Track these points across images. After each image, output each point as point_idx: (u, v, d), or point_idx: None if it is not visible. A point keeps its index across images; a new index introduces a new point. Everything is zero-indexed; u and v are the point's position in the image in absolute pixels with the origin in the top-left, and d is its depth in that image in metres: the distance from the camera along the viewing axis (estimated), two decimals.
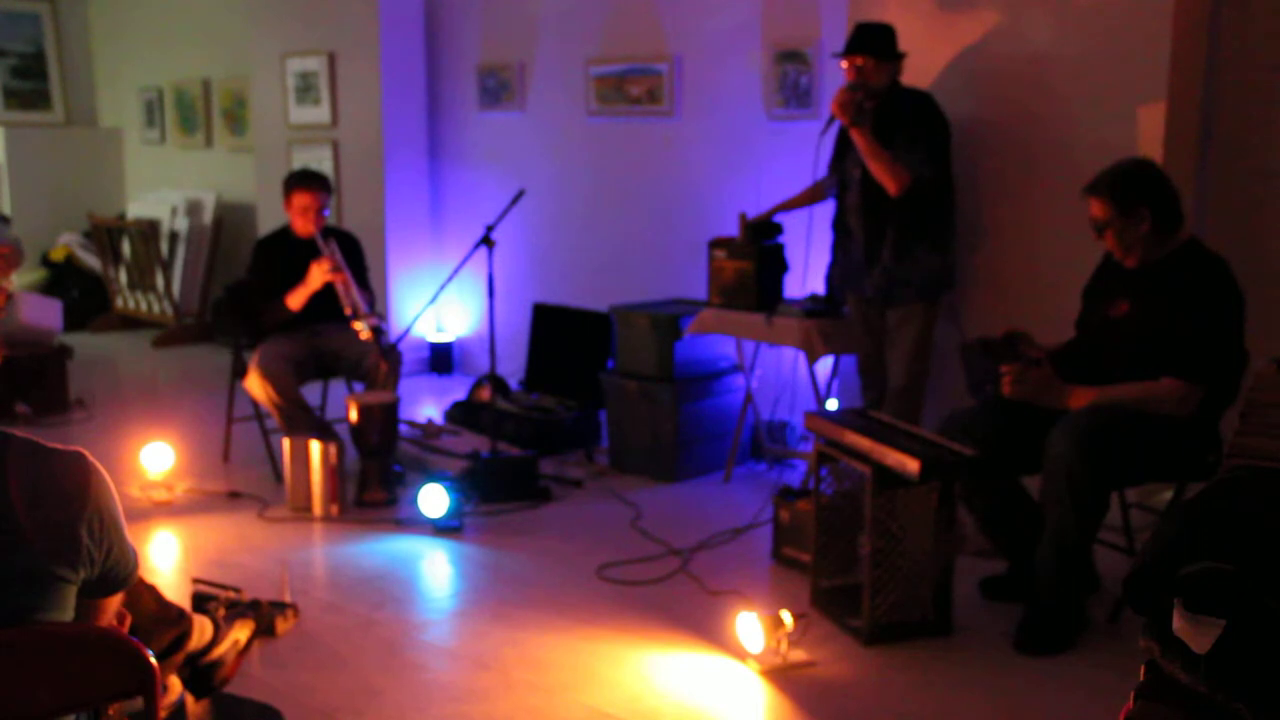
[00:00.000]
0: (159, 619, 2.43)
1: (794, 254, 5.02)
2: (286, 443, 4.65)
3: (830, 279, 4.73)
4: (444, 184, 7.19)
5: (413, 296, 7.11)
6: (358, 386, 5.15)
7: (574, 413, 5.52)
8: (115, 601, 1.84)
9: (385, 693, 3.18)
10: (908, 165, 4.26)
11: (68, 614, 1.69)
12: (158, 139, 9.26)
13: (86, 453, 1.71)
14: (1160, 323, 3.39)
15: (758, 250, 4.84)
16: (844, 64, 4.38)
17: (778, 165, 5.47)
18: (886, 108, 4.38)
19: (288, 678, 3.26)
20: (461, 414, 5.73)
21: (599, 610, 3.72)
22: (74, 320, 8.22)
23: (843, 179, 4.58)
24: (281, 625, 3.54)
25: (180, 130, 9.04)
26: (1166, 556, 1.40)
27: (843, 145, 4.56)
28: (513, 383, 6.16)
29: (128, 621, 1.95)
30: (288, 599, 3.66)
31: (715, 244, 4.99)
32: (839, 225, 4.62)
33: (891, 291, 4.42)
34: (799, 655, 3.32)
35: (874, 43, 4.35)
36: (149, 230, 8.29)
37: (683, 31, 5.83)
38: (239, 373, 5.07)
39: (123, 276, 8.74)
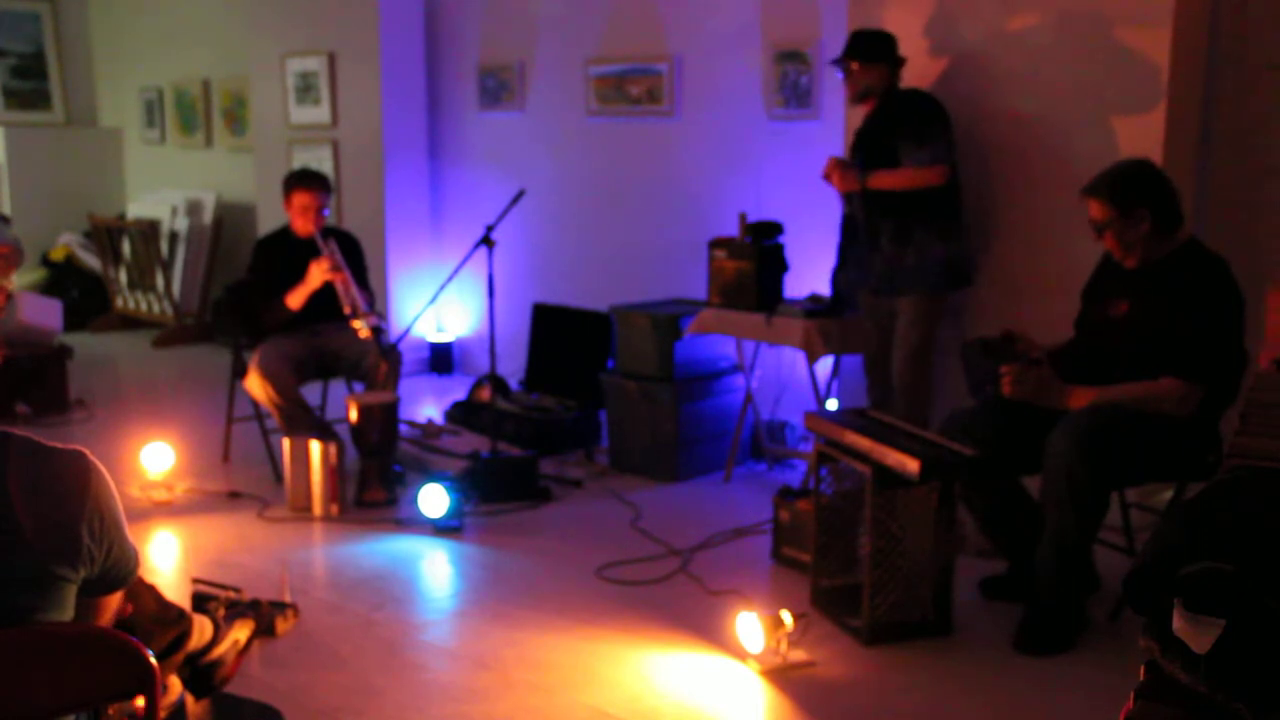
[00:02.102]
0: (159, 619, 2.43)
1: (794, 254, 5.02)
2: (286, 443, 4.65)
3: (836, 282, 4.73)
4: (444, 184, 7.19)
5: (413, 296, 7.11)
6: (358, 386, 5.15)
7: (574, 413, 5.52)
8: (115, 600, 1.84)
9: (385, 693, 3.18)
10: (934, 160, 4.34)
11: (68, 614, 1.69)
12: (158, 139, 9.26)
13: (87, 451, 1.71)
14: (1160, 323, 3.39)
15: (758, 250, 4.84)
16: (855, 67, 4.46)
17: (778, 165, 5.47)
18: (884, 110, 4.45)
19: (288, 678, 3.26)
20: (461, 414, 5.73)
21: (599, 610, 3.72)
22: (74, 320, 8.21)
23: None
24: (281, 625, 3.54)
25: (180, 130, 9.04)
26: (1166, 556, 1.40)
27: (856, 149, 4.57)
28: (513, 383, 6.16)
29: (128, 613, 1.94)
30: (288, 599, 3.66)
31: (715, 244, 4.99)
32: (847, 226, 4.63)
33: (894, 279, 4.43)
34: (799, 655, 3.33)
35: (862, 47, 4.47)
36: (149, 230, 8.29)
37: (683, 31, 5.83)
38: (239, 373, 5.07)
39: (123, 276, 8.74)
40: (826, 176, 4.53)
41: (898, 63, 4.47)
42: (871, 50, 4.46)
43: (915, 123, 4.37)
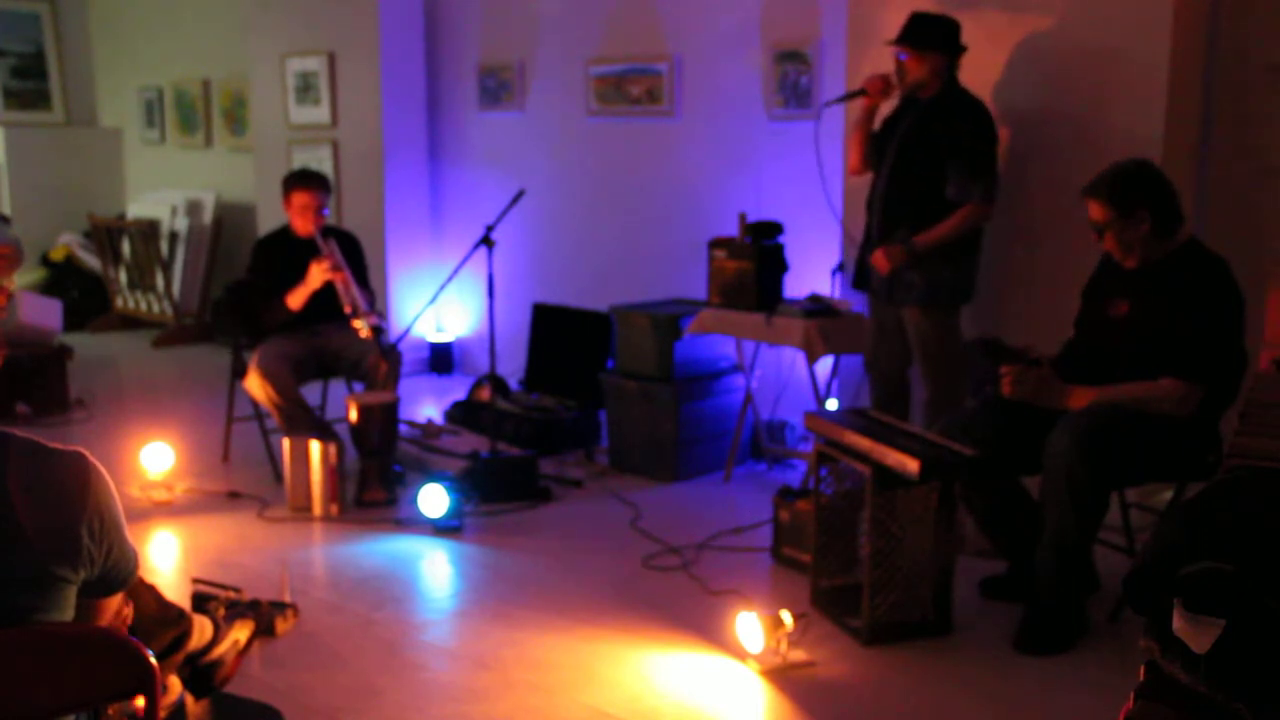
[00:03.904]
0: (159, 619, 2.43)
1: (794, 254, 5.02)
2: (286, 443, 4.65)
3: (861, 257, 4.56)
4: (444, 184, 7.19)
5: (413, 296, 7.11)
6: (358, 386, 5.15)
7: (574, 413, 5.52)
8: (115, 601, 1.84)
9: (385, 693, 3.18)
10: (986, 198, 4.19)
11: (68, 614, 1.69)
12: (158, 139, 9.26)
13: (87, 452, 1.71)
14: (1160, 323, 3.39)
15: (758, 250, 4.84)
16: (905, 58, 4.25)
17: (778, 165, 5.47)
18: (940, 108, 4.23)
19: (288, 678, 3.26)
20: (461, 414, 5.73)
21: (599, 610, 3.72)
22: (74, 320, 8.21)
23: (878, 163, 4.46)
24: (281, 625, 3.54)
25: (180, 130, 9.04)
26: (1166, 556, 1.40)
27: (887, 130, 4.45)
28: (513, 383, 6.16)
29: (128, 619, 1.94)
30: (288, 599, 3.66)
31: (715, 244, 4.99)
32: (871, 206, 4.50)
33: (894, 290, 4.38)
34: (799, 655, 3.33)
35: (912, 33, 4.20)
36: (149, 230, 8.29)
37: (683, 31, 5.83)
38: (239, 373, 5.07)
39: (123, 276, 8.73)
40: (875, 263, 4.34)
41: (957, 53, 4.22)
42: (924, 37, 4.17)
43: (974, 144, 4.17)
